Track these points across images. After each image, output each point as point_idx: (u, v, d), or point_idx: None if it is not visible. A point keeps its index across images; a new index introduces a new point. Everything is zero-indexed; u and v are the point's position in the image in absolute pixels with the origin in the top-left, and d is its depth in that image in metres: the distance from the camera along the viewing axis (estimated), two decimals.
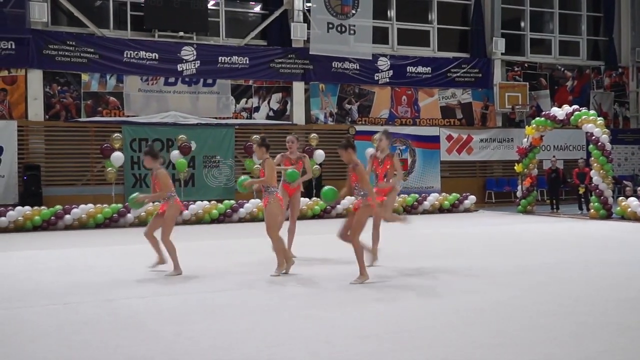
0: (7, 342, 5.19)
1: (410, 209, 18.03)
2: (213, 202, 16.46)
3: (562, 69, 24.10)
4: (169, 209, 8.27)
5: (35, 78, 17.48)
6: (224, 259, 9.61)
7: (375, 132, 19.21)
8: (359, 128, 20.55)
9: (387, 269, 8.37)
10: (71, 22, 18.33)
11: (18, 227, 14.38)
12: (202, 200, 16.44)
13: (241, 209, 16.16)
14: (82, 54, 17.83)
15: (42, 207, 15.03)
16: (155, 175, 8.30)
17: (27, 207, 14.85)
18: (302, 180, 9.60)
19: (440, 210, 18.51)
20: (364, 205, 7.55)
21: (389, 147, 9.32)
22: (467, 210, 18.79)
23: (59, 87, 17.85)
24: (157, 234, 8.33)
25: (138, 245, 11.19)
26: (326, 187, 8.06)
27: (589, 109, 18.25)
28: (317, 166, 18.51)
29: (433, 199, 18.56)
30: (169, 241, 8.23)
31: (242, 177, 8.52)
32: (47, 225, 14.67)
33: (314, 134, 18.87)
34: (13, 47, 17.10)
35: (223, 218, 16.07)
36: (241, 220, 16.10)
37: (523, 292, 6.99)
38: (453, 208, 18.65)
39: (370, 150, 9.37)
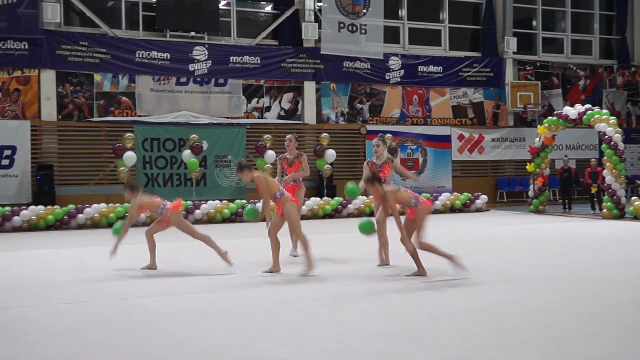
0: (20, 340, 5.23)
1: None
2: (224, 201, 16.51)
3: (575, 68, 23.96)
4: (171, 217, 8.47)
5: (48, 78, 17.59)
6: (235, 258, 9.59)
7: (386, 132, 19.46)
8: (370, 128, 20.53)
9: (398, 268, 8.36)
10: (83, 22, 18.43)
11: (32, 226, 14.49)
12: (213, 200, 16.49)
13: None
14: (94, 54, 17.93)
15: (55, 207, 15.13)
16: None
17: (41, 207, 14.96)
18: (297, 176, 9.63)
19: (452, 209, 18.45)
20: (420, 211, 7.76)
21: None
22: (478, 210, 18.73)
23: (72, 87, 17.95)
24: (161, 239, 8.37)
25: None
26: (364, 220, 8.17)
27: (601, 108, 18.18)
28: (328, 165, 18.54)
29: (444, 198, 18.51)
30: (201, 235, 8.51)
31: (248, 206, 8.67)
32: (60, 225, 14.77)
33: (325, 134, 18.90)
34: (26, 47, 17.21)
35: (234, 217, 16.11)
36: None
37: (535, 291, 6.96)
38: (464, 207, 18.60)
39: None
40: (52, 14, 17.33)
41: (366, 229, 8.07)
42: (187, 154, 17.21)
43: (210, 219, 15.80)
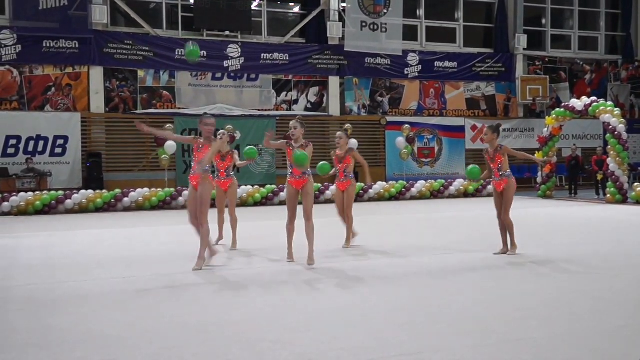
0: (75, 312, 5.30)
1: (437, 194, 17.90)
2: (256, 186, 16.56)
3: (581, 62, 23.56)
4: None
5: (96, 74, 17.75)
6: (265, 239, 9.65)
7: (405, 123, 19.33)
8: (389, 119, 20.43)
9: (415, 250, 8.32)
10: (128, 23, 18.52)
11: (82, 209, 14.69)
12: (246, 185, 16.55)
13: (282, 193, 16.22)
14: (138, 52, 18.03)
15: (104, 191, 15.31)
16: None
17: (90, 191, 15.15)
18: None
19: (465, 194, 18.32)
20: (509, 185, 7.84)
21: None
22: (490, 195, 18.49)
23: (118, 82, 18.10)
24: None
25: (189, 225, 11.32)
26: (471, 166, 8.01)
27: (606, 101, 17.83)
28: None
29: (458, 184, 18.38)
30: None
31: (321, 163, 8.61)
32: (107, 207, 14.94)
33: (348, 124, 18.80)
34: (77, 46, 17.38)
35: (265, 201, 16.16)
36: (282, 203, 16.16)
37: (544, 270, 6.88)
38: (477, 193, 18.45)
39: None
40: (99, 16, 17.47)
41: (474, 175, 7.95)
42: None
43: (243, 203, 15.86)
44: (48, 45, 17.13)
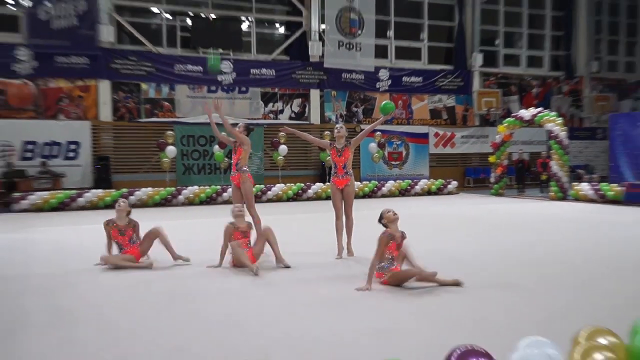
0: (82, 297, 5.30)
1: (404, 192, 18.05)
2: None
3: (529, 78, 23.88)
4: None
5: (104, 87, 17.62)
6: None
7: (376, 131, 19.39)
8: (363, 126, 20.50)
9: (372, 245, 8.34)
10: (132, 41, 18.41)
11: (93, 206, 14.59)
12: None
13: (269, 192, 16.25)
14: (141, 68, 17.94)
15: (112, 190, 15.22)
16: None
17: (100, 190, 15.05)
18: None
19: (429, 193, 18.50)
20: (352, 182, 7.15)
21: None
22: (450, 193, 18.78)
23: (124, 94, 17.99)
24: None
25: (189, 220, 11.33)
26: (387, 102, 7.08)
27: (550, 111, 18.12)
28: (329, 157, 18.52)
29: (423, 184, 18.56)
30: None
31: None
32: (115, 204, 14.81)
33: (327, 132, 18.89)
34: (86, 62, 17.24)
35: (255, 200, 16.12)
36: (269, 200, 16.21)
37: (495, 260, 6.99)
38: (439, 191, 18.64)
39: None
40: (107, 35, 17.36)
41: (391, 109, 6.96)
42: (216, 148, 17.25)
43: (224, 201, 15.83)
44: (60, 61, 16.98)
